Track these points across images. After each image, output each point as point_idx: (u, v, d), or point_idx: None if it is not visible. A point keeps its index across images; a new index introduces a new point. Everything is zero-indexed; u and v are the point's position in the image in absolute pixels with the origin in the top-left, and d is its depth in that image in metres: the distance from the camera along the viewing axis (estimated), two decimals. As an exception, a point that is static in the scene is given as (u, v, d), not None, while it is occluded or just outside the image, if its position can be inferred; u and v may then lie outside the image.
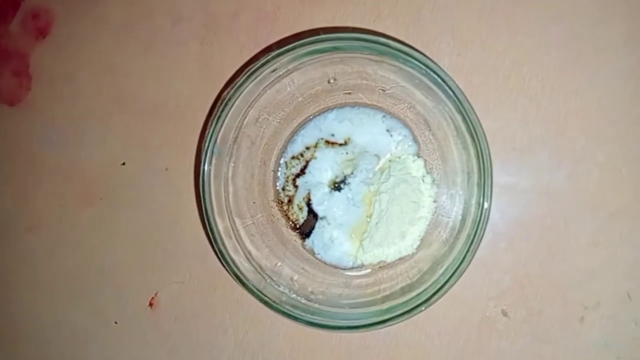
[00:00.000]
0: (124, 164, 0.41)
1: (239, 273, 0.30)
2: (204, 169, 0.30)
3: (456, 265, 0.28)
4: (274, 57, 0.29)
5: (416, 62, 0.27)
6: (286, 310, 0.29)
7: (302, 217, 0.35)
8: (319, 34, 0.29)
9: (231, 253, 0.31)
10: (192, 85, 0.40)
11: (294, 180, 0.35)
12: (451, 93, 0.27)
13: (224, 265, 0.31)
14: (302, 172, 0.35)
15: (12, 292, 0.43)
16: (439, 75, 0.27)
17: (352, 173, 0.34)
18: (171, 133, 0.40)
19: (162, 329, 0.40)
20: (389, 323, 0.28)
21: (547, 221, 0.34)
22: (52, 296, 0.42)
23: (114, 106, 0.41)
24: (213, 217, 0.31)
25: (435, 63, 0.27)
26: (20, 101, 0.43)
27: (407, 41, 0.34)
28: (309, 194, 0.35)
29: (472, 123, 0.27)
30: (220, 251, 0.30)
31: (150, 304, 0.40)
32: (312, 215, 0.35)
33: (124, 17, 0.41)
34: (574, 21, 0.34)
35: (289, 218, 0.35)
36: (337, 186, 0.35)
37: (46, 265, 0.43)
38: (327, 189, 0.35)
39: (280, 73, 0.30)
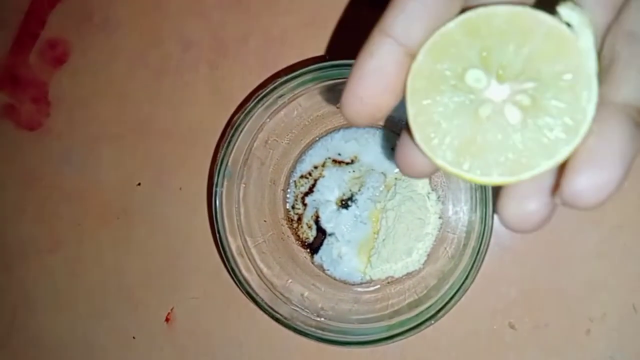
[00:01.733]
0: (139, 184, 0.43)
1: (251, 291, 0.31)
2: (216, 191, 0.32)
3: (462, 281, 0.29)
4: (281, 84, 0.30)
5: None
6: (297, 327, 0.30)
7: (311, 235, 0.36)
8: (325, 59, 0.30)
9: (243, 271, 0.32)
10: (203, 108, 0.41)
11: (302, 198, 0.37)
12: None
13: (236, 284, 0.32)
14: (311, 190, 0.36)
15: (34, 312, 0.45)
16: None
17: (359, 190, 0.35)
18: (184, 154, 0.41)
19: (178, 344, 0.41)
20: (397, 338, 0.29)
21: (551, 234, 0.34)
22: (72, 315, 0.44)
23: (129, 130, 0.43)
24: (225, 236, 0.32)
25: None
26: (40, 127, 0.45)
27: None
28: (317, 211, 0.36)
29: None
30: (233, 270, 0.32)
31: (167, 320, 0.42)
32: (321, 232, 0.36)
33: (136, 45, 0.43)
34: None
35: (299, 236, 0.36)
36: (344, 204, 0.36)
37: (66, 284, 0.44)
38: (334, 207, 0.36)
39: (288, 98, 0.32)
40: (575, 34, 0.16)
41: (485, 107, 0.16)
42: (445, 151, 0.16)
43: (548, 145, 0.16)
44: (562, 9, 0.16)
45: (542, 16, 0.16)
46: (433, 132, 0.16)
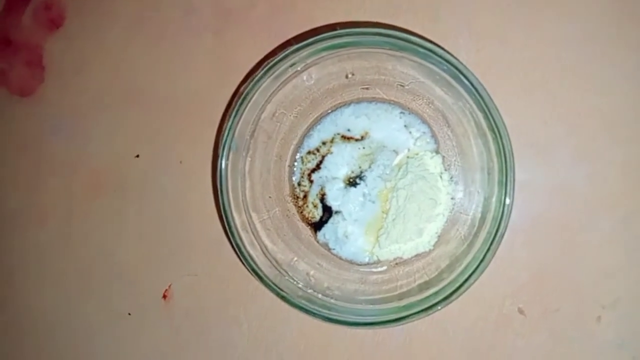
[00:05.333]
0: (137, 156, 0.41)
1: (255, 267, 0.30)
2: (221, 164, 0.30)
3: (476, 264, 0.28)
4: (292, 52, 0.29)
5: (437, 58, 0.27)
6: (303, 305, 0.29)
7: (317, 213, 0.35)
8: (336, 29, 0.29)
9: (248, 247, 0.31)
10: (206, 78, 0.39)
11: (309, 175, 0.35)
12: (473, 89, 0.27)
13: (240, 260, 0.30)
14: (318, 167, 0.35)
15: (23, 286, 0.44)
16: (460, 72, 0.27)
17: (369, 168, 0.34)
18: (185, 126, 0.40)
19: (175, 322, 0.40)
20: (407, 320, 0.28)
21: (564, 219, 0.34)
22: (64, 289, 0.42)
23: (126, 99, 0.41)
24: (230, 211, 0.30)
25: (456, 59, 0.27)
26: (33, 93, 0.43)
27: (424, 36, 0.34)
28: (322, 189, 0.35)
29: (494, 120, 0.27)
30: (237, 245, 0.30)
31: (164, 296, 0.40)
32: (327, 211, 0.35)
33: (135, 9, 0.41)
34: (594, 17, 0.34)
35: (304, 215, 0.35)
36: (352, 182, 0.34)
37: (57, 258, 0.43)
38: (342, 184, 0.35)
39: (299, 68, 0.30)
40: None
41: None
42: None
43: None
44: None
45: None
46: None
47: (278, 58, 0.29)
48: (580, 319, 0.33)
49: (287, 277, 0.31)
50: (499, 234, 0.27)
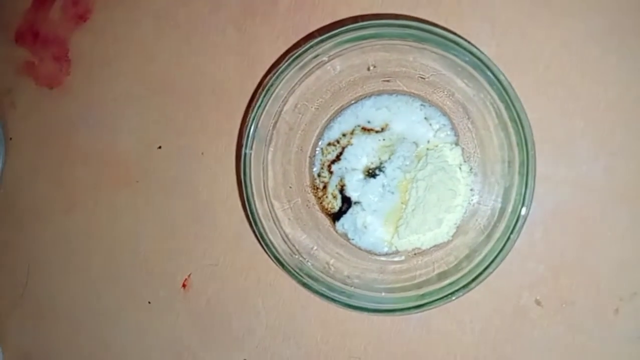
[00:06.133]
0: (160, 147, 0.42)
1: (278, 255, 0.31)
2: (245, 153, 0.31)
3: (495, 254, 0.28)
4: (317, 43, 0.29)
5: (460, 49, 0.27)
6: (323, 292, 0.30)
7: (336, 204, 0.35)
8: (358, 21, 0.29)
9: (270, 235, 0.31)
10: (229, 71, 0.40)
11: (329, 166, 0.36)
12: (495, 80, 0.27)
13: (263, 247, 0.31)
14: (338, 158, 0.36)
15: (49, 273, 0.45)
16: (483, 62, 0.27)
17: (389, 159, 0.34)
18: (207, 118, 0.41)
19: (194, 310, 0.41)
20: (425, 308, 0.29)
21: (583, 212, 0.34)
22: (87, 277, 0.44)
23: (151, 91, 0.42)
24: (253, 199, 0.31)
25: (480, 50, 0.27)
26: (60, 85, 0.44)
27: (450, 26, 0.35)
28: (342, 180, 0.35)
29: (516, 111, 0.27)
30: (260, 233, 0.31)
31: (184, 285, 0.41)
32: (346, 202, 0.35)
33: (161, 3, 0.42)
34: (615, 11, 0.34)
35: (323, 206, 0.36)
36: (371, 173, 0.35)
37: (82, 246, 0.44)
38: (361, 175, 0.35)
39: (323, 59, 0.31)
40: None
41: None
42: None
43: None
44: None
45: None
46: None
47: (302, 49, 0.30)
48: (597, 311, 0.33)
49: (308, 265, 0.31)
50: (517, 225, 0.28)
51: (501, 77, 0.27)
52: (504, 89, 0.27)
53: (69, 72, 0.44)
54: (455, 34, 0.28)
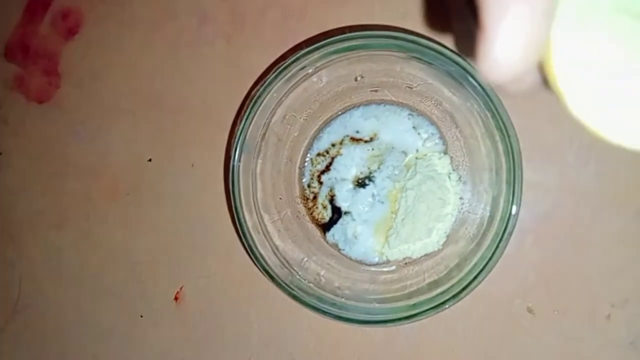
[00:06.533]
0: (150, 160, 0.42)
1: (267, 267, 0.31)
2: (233, 165, 0.31)
3: (484, 263, 0.28)
4: (303, 55, 0.29)
5: (445, 59, 0.27)
6: (314, 304, 0.30)
7: (326, 215, 0.35)
8: (346, 32, 0.29)
9: (259, 248, 0.31)
10: (218, 83, 0.40)
11: (319, 177, 0.36)
12: (480, 89, 0.27)
13: (252, 260, 0.31)
14: (328, 168, 0.36)
15: (40, 287, 0.44)
16: (468, 72, 0.27)
17: (378, 168, 0.34)
18: (197, 130, 0.41)
19: (187, 323, 0.41)
20: (417, 318, 0.29)
21: (573, 218, 0.34)
22: (79, 291, 0.43)
23: (141, 104, 0.42)
24: (242, 212, 0.31)
25: (464, 59, 0.27)
26: (50, 99, 0.44)
27: (435, 37, 0.35)
28: (331, 190, 0.35)
29: (501, 119, 0.27)
30: (250, 246, 0.31)
31: (176, 298, 0.41)
32: (336, 212, 0.35)
33: (150, 17, 0.42)
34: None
35: (313, 216, 0.36)
36: (361, 182, 0.35)
37: (74, 260, 0.43)
38: (351, 185, 0.35)
39: (309, 71, 0.31)
40: None
41: None
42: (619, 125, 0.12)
43: None
44: None
45: None
46: (599, 105, 0.12)
47: (289, 61, 0.30)
48: (589, 317, 0.33)
49: (298, 277, 0.31)
50: (506, 233, 0.28)
51: (486, 86, 0.27)
52: (489, 97, 0.27)
53: (59, 85, 0.44)
54: (440, 44, 0.28)
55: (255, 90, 0.31)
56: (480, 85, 0.27)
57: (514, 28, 0.13)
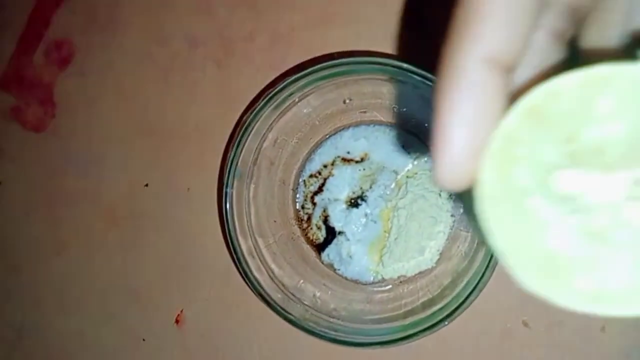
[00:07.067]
0: (146, 185, 0.42)
1: (262, 292, 0.31)
2: (226, 192, 0.31)
3: (477, 279, 0.29)
4: (290, 82, 0.30)
5: (430, 84, 0.28)
6: (310, 328, 0.30)
7: (321, 235, 0.36)
8: (333, 57, 0.30)
9: (255, 272, 0.32)
10: (211, 107, 0.41)
11: (312, 198, 0.36)
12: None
13: (248, 285, 0.31)
14: (320, 189, 0.36)
15: (43, 314, 0.45)
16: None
17: (370, 188, 0.35)
18: (191, 154, 0.41)
19: (189, 346, 0.41)
20: (412, 339, 0.29)
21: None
22: (81, 317, 0.44)
23: (136, 130, 0.43)
24: (236, 237, 0.32)
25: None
26: (46, 128, 0.45)
27: (419, 60, 0.35)
28: (325, 211, 0.36)
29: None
30: (244, 271, 0.31)
31: (177, 321, 0.41)
32: (331, 233, 0.36)
33: (142, 44, 0.43)
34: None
35: (308, 237, 0.36)
36: (354, 202, 0.35)
37: (75, 287, 0.44)
38: (344, 206, 0.35)
39: (297, 97, 0.31)
40: None
41: (596, 218, 0.12)
42: (576, 294, 0.13)
43: None
44: None
45: (633, 70, 0.12)
46: (552, 273, 0.13)
47: (277, 89, 0.30)
48: (584, 329, 0.33)
49: (294, 300, 0.31)
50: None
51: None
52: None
53: (54, 114, 0.45)
54: (423, 67, 0.29)
55: (245, 117, 0.32)
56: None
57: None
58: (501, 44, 0.12)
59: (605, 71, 0.12)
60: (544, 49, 0.14)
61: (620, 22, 0.13)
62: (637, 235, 0.12)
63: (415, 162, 0.35)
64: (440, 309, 0.29)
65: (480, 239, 0.30)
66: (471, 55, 0.12)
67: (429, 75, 0.28)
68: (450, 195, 0.34)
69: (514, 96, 0.13)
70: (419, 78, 0.28)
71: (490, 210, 0.13)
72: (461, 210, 0.33)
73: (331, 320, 0.31)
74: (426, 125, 0.33)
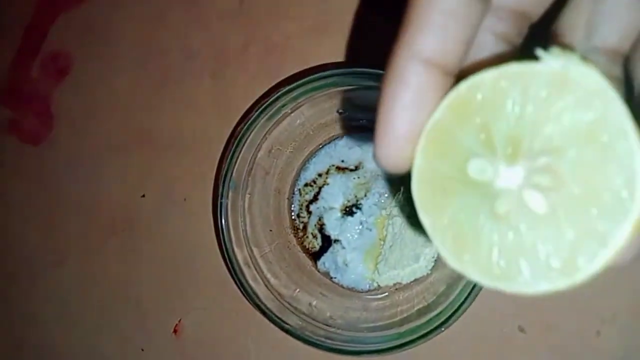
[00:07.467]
0: (143, 195, 0.43)
1: (258, 302, 0.31)
2: (221, 203, 0.32)
3: (471, 286, 0.29)
4: (283, 94, 0.30)
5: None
6: (306, 337, 0.30)
7: (317, 243, 0.36)
8: (327, 67, 0.30)
9: (251, 282, 0.32)
10: (206, 117, 0.41)
11: (307, 206, 0.37)
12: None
13: (244, 295, 0.32)
14: (316, 198, 0.36)
15: (43, 325, 0.45)
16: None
17: (365, 196, 0.35)
18: (188, 164, 0.41)
19: (187, 355, 0.41)
20: (408, 346, 0.29)
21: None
22: (81, 327, 0.44)
23: (132, 141, 0.43)
24: (232, 248, 0.32)
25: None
26: (44, 140, 0.45)
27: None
28: (320, 219, 0.36)
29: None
30: (240, 281, 0.32)
31: (175, 331, 0.42)
32: (326, 241, 0.36)
33: (137, 55, 0.43)
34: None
35: (304, 246, 0.36)
36: (349, 210, 0.36)
37: (74, 297, 0.44)
38: (339, 214, 0.36)
39: (291, 107, 0.31)
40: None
41: (500, 202, 0.14)
42: (486, 265, 0.14)
43: (595, 231, 0.13)
44: (548, 56, 0.13)
45: (536, 68, 0.13)
46: (459, 247, 0.14)
47: (270, 100, 0.31)
48: (580, 334, 0.33)
49: (290, 310, 0.32)
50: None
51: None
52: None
53: (52, 126, 0.45)
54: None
55: (239, 128, 0.32)
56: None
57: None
58: (436, 47, 0.14)
59: (514, 69, 0.13)
60: (491, 49, 0.16)
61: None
62: (534, 219, 0.13)
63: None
64: (436, 315, 0.30)
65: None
66: (408, 56, 0.14)
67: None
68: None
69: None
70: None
71: (420, 192, 0.14)
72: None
73: (327, 328, 0.31)
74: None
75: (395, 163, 0.15)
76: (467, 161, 0.14)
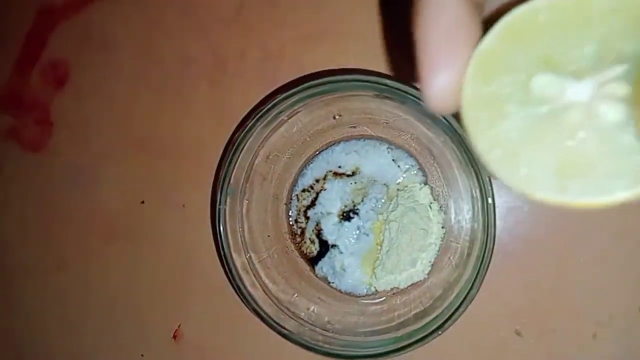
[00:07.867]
0: (143, 202, 0.43)
1: (257, 307, 0.31)
2: (219, 210, 0.32)
3: (467, 290, 0.29)
4: (280, 101, 0.31)
5: (414, 99, 0.29)
6: (304, 342, 0.31)
7: (314, 249, 0.36)
8: (323, 74, 0.31)
9: (249, 288, 0.32)
10: (204, 124, 0.41)
11: (305, 212, 0.37)
12: (450, 126, 0.28)
13: (242, 300, 0.32)
14: (313, 203, 0.37)
15: (43, 332, 0.45)
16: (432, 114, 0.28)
17: (362, 201, 0.35)
18: (186, 171, 0.42)
19: (187, 360, 0.41)
20: (405, 350, 0.29)
21: (555, 239, 0.35)
22: (82, 333, 0.44)
23: (132, 148, 0.43)
24: (230, 254, 0.32)
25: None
26: (43, 148, 0.45)
27: (408, 76, 0.36)
28: (318, 225, 0.36)
29: (469, 153, 0.28)
30: (238, 287, 0.32)
31: (174, 336, 0.42)
32: (324, 246, 0.36)
33: (136, 64, 0.43)
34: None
35: (302, 251, 0.37)
36: (346, 216, 0.36)
37: (76, 304, 0.44)
38: (336, 219, 0.36)
39: (288, 114, 0.32)
40: None
41: (572, 113, 0.14)
42: (544, 180, 0.14)
43: None
44: None
45: None
46: (516, 164, 0.14)
47: (267, 107, 0.31)
48: (576, 337, 0.33)
49: (288, 315, 0.32)
50: (485, 260, 0.28)
51: (455, 125, 0.28)
52: (459, 135, 0.28)
53: (51, 134, 0.45)
54: (409, 84, 0.29)
55: (236, 135, 0.32)
56: (449, 122, 0.28)
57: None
58: None
59: None
60: None
61: None
62: (603, 130, 0.13)
63: (405, 175, 0.35)
64: (433, 319, 0.30)
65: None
66: None
67: (413, 92, 0.29)
68: (440, 207, 0.34)
69: (486, 23, 0.15)
70: (404, 94, 0.29)
71: (471, 119, 0.15)
72: (452, 222, 0.34)
73: (325, 333, 0.31)
74: (418, 138, 0.34)
75: (446, 99, 0.14)
76: (531, 77, 0.14)
